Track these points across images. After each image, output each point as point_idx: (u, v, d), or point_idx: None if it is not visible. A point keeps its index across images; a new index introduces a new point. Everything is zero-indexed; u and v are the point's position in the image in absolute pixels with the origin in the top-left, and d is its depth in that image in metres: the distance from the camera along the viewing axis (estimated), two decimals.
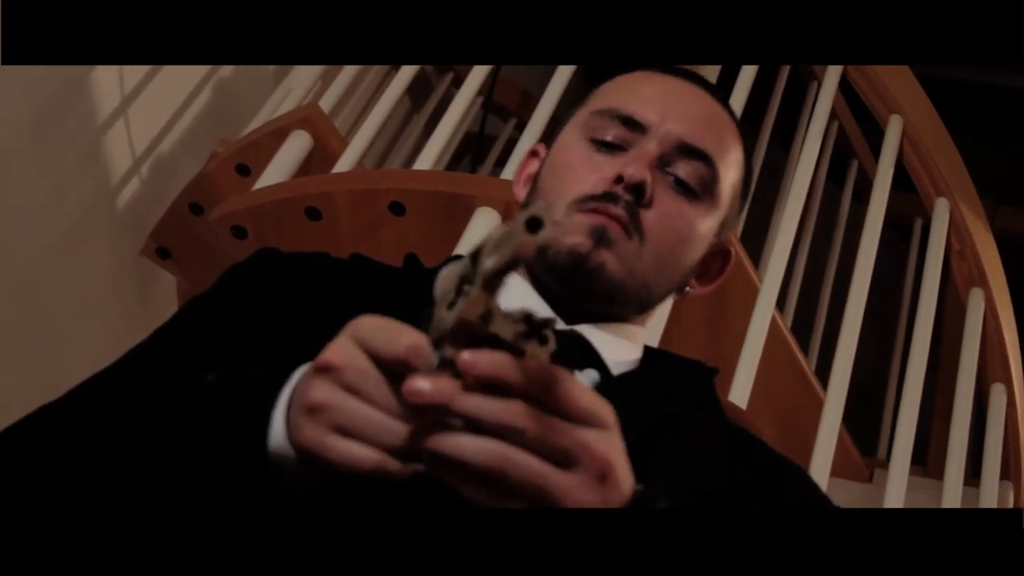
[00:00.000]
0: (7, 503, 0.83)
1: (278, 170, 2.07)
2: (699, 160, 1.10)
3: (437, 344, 0.68)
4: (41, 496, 0.82)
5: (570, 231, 1.05)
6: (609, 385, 1.03)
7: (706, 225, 1.12)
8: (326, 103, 2.26)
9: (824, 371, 2.13)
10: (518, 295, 1.07)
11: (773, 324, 2.02)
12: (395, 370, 0.69)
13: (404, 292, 1.02)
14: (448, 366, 0.67)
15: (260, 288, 1.03)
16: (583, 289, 1.05)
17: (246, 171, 2.18)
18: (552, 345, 0.67)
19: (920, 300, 2.29)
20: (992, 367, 2.48)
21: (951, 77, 3.94)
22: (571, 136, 1.13)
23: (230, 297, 1.03)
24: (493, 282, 0.64)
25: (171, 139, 2.48)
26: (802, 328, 2.96)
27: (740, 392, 1.84)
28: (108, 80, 2.29)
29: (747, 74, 2.24)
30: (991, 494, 2.26)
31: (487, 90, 3.22)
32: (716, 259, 1.17)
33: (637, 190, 1.05)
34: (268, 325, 0.98)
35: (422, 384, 0.67)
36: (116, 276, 2.34)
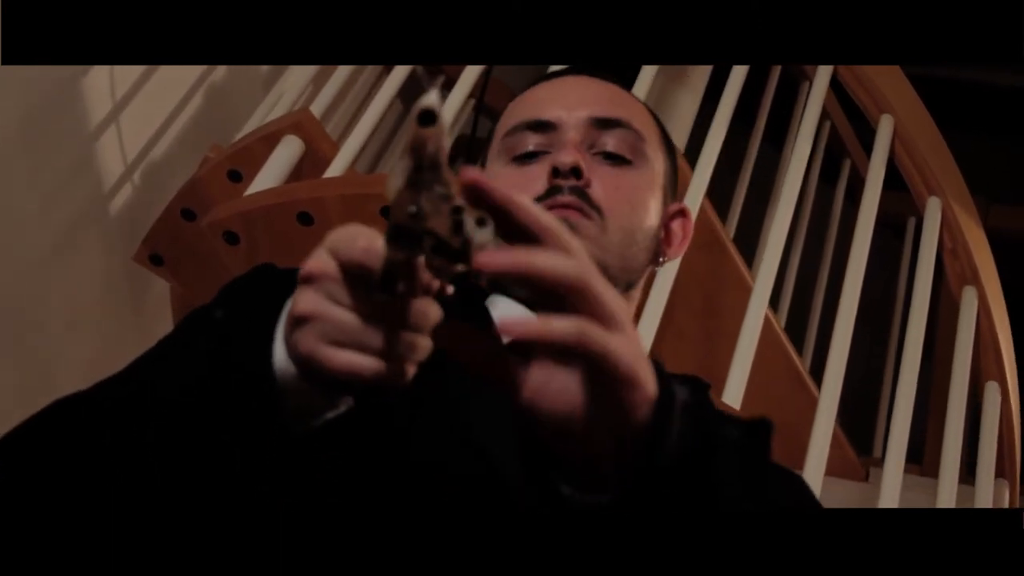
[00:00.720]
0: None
1: (270, 175, 2.07)
2: (618, 127, 1.13)
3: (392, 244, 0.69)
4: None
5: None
6: None
7: (649, 185, 1.14)
8: (317, 107, 2.26)
9: (818, 370, 2.13)
10: (515, 309, 1.07)
11: (766, 324, 2.02)
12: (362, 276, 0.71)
13: None
14: (395, 270, 0.68)
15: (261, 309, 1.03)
16: None
17: (238, 177, 2.18)
18: (490, 226, 0.67)
19: (913, 299, 2.29)
20: (986, 365, 2.48)
21: (942, 76, 3.94)
22: (494, 167, 1.15)
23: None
24: (413, 178, 0.64)
25: (163, 145, 2.47)
26: (796, 328, 2.96)
27: (734, 393, 1.84)
28: (100, 85, 2.28)
29: (738, 74, 2.25)
30: (986, 492, 2.26)
31: (479, 92, 3.21)
32: (676, 221, 1.19)
33: (575, 172, 1.08)
34: None
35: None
36: (108, 282, 2.34)
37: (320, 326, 0.71)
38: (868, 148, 2.50)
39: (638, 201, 1.12)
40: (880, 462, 2.29)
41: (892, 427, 2.09)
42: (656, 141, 1.17)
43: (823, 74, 2.40)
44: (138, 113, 2.39)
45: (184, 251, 2.29)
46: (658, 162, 1.16)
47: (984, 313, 2.46)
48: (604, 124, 1.13)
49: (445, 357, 0.74)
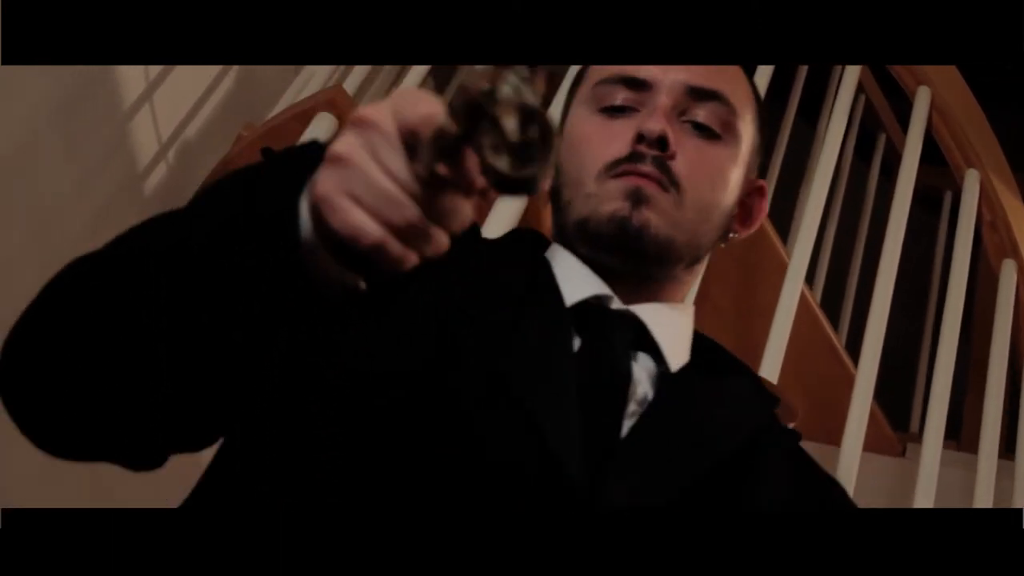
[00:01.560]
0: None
1: None
2: (713, 100, 1.09)
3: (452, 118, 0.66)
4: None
5: (605, 199, 1.05)
6: (671, 389, 1.01)
7: (735, 163, 1.11)
8: (350, 85, 2.26)
9: (855, 346, 2.12)
10: (573, 275, 1.06)
11: (802, 299, 2.00)
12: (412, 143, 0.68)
13: (468, 260, 1.02)
14: (444, 145, 0.66)
15: None
16: (632, 253, 1.04)
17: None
18: (550, 150, 0.65)
19: (951, 272, 2.27)
20: None
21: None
22: (580, 112, 1.12)
23: None
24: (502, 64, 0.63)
25: (196, 124, 2.48)
26: (832, 303, 2.95)
27: (770, 367, 1.83)
28: (132, 67, 2.29)
29: None
30: None
31: None
32: (752, 197, 1.16)
33: (660, 143, 1.05)
34: None
35: None
36: None
37: (348, 174, 0.69)
38: (904, 123, 2.47)
39: (720, 179, 1.09)
40: (917, 437, 2.28)
41: (931, 402, 2.08)
42: (751, 115, 1.13)
43: None
44: (171, 93, 2.40)
45: None
46: (747, 138, 1.13)
47: None
48: (699, 94, 1.09)
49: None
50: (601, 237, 1.03)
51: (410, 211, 0.69)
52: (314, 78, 2.40)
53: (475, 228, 1.15)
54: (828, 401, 2.32)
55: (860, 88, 3.21)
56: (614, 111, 1.09)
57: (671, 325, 1.06)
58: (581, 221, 1.05)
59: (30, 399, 0.83)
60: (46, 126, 2.08)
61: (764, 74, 2.14)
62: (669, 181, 1.04)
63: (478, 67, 0.63)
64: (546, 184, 1.05)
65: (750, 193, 1.15)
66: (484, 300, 0.97)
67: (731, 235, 1.14)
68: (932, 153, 2.47)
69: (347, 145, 0.70)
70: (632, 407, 0.97)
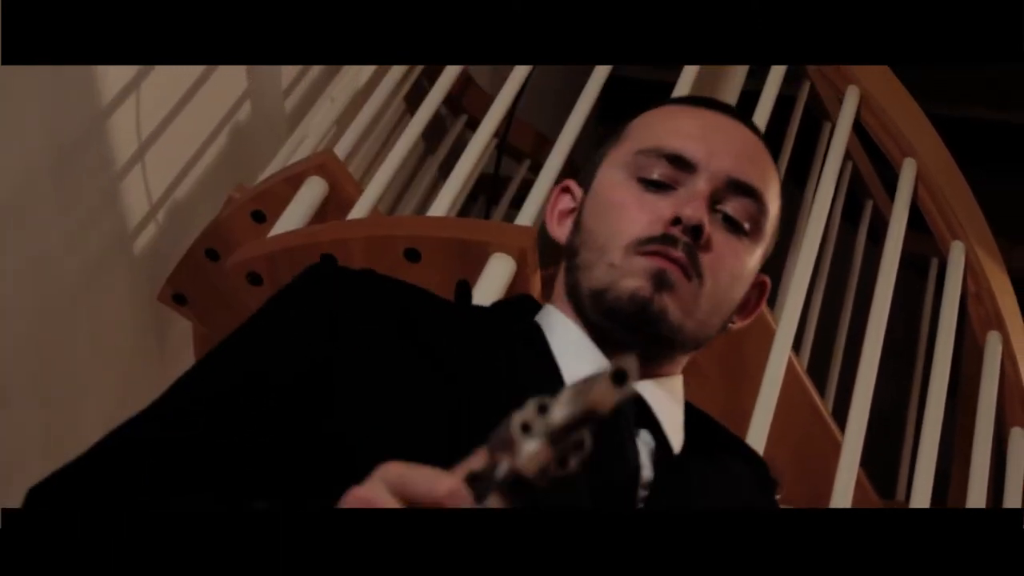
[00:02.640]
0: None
1: (293, 217, 2.08)
2: (748, 196, 1.10)
3: (477, 485, 0.65)
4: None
5: (629, 274, 1.05)
6: (675, 474, 1.02)
7: (754, 260, 1.12)
8: (341, 149, 2.27)
9: (841, 412, 2.12)
10: (573, 348, 1.06)
11: (789, 366, 2.01)
12: None
13: (463, 335, 1.02)
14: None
15: (339, 314, 1.00)
16: (645, 334, 1.04)
17: (262, 217, 2.19)
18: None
19: (936, 344, 2.28)
20: (1011, 410, 2.46)
21: (964, 115, 3.94)
22: (616, 176, 1.12)
23: (310, 323, 1.00)
24: (559, 436, 0.60)
25: (187, 184, 2.49)
26: (818, 369, 2.95)
27: (757, 435, 1.83)
28: (125, 123, 2.30)
29: (761, 111, 2.24)
30: None
31: (502, 132, 3.23)
32: (754, 291, 1.17)
33: (695, 231, 1.05)
34: (348, 362, 0.96)
35: None
36: (133, 320, 2.35)
37: None
38: (890, 189, 2.49)
39: (738, 276, 1.10)
40: (903, 505, 2.27)
41: (916, 472, 2.08)
42: (775, 213, 1.15)
43: (846, 115, 2.40)
44: (163, 152, 2.41)
45: (207, 291, 2.29)
46: (769, 238, 1.15)
47: (1008, 358, 2.45)
48: (738, 188, 1.10)
49: None
50: (618, 312, 1.04)
51: None
52: (306, 140, 2.41)
53: (466, 291, 1.16)
54: (814, 467, 2.32)
55: (848, 155, 3.23)
56: (651, 184, 1.09)
57: (671, 403, 1.07)
58: (600, 290, 1.05)
59: None
60: (39, 178, 2.08)
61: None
62: (694, 271, 1.05)
63: (529, 418, 0.61)
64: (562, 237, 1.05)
65: (753, 286, 1.16)
66: (486, 387, 0.97)
67: (730, 325, 1.15)
68: (919, 220, 2.49)
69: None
70: (639, 492, 0.98)
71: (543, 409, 0.60)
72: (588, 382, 0.59)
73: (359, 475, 0.88)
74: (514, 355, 1.01)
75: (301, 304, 1.03)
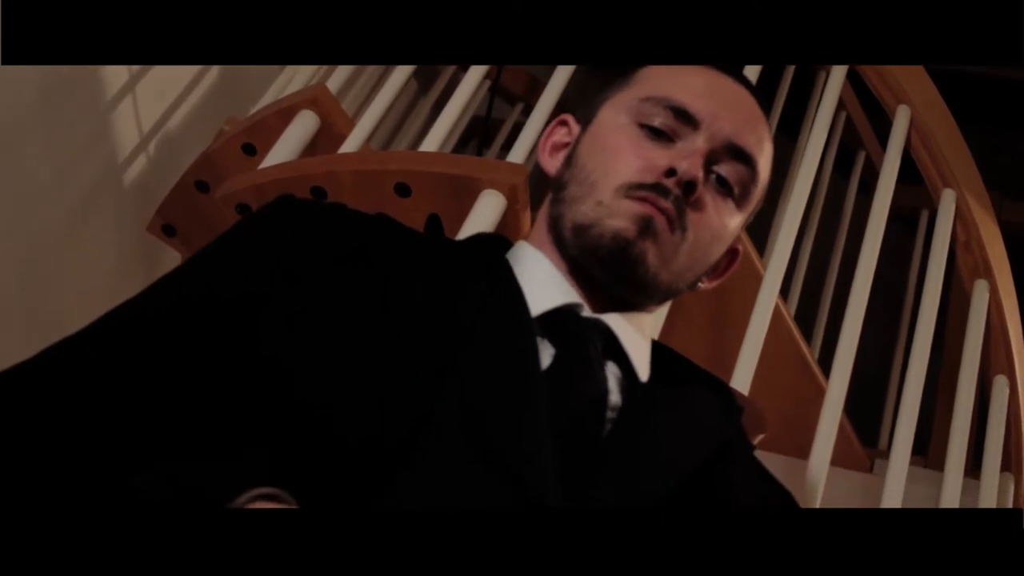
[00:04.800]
0: None
1: (284, 150, 2.07)
2: (743, 162, 1.11)
3: None
4: None
5: (615, 215, 1.05)
6: (642, 399, 1.03)
7: (736, 224, 1.14)
8: (334, 83, 2.26)
9: (827, 361, 2.13)
10: (542, 282, 1.07)
11: (776, 312, 2.01)
12: None
13: (425, 266, 1.02)
14: None
15: (285, 248, 1.00)
16: (620, 275, 1.06)
17: (252, 150, 2.18)
18: None
19: (924, 290, 2.29)
20: (996, 359, 2.47)
21: (959, 70, 3.93)
22: (618, 118, 1.13)
23: (252, 257, 1.00)
24: None
25: (178, 117, 2.48)
26: (806, 318, 2.96)
27: (742, 379, 1.84)
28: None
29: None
30: (991, 486, 2.26)
31: (494, 74, 3.22)
32: (725, 256, 1.18)
33: (688, 187, 1.06)
34: (286, 295, 0.96)
35: None
36: (122, 253, 2.34)
37: None
38: (883, 140, 2.49)
39: (719, 237, 1.12)
40: (885, 454, 2.29)
41: (899, 419, 2.09)
42: (764, 183, 1.16)
43: (840, 64, 2.39)
44: (154, 85, 2.39)
45: (197, 222, 2.29)
46: (754, 203, 1.16)
47: (995, 307, 2.45)
48: (735, 153, 1.11)
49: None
50: (598, 249, 1.05)
51: None
52: (298, 74, 2.40)
53: (437, 225, 1.16)
54: (798, 414, 2.33)
55: (841, 104, 3.22)
56: (652, 131, 1.10)
57: (637, 335, 1.08)
58: (584, 225, 1.06)
59: None
60: (28, 114, 2.07)
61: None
62: (680, 224, 1.06)
63: None
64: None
65: (727, 251, 1.17)
66: (440, 314, 0.97)
67: (699, 285, 1.16)
68: (910, 172, 2.49)
69: None
70: (607, 414, 0.99)
71: None
72: None
73: (296, 400, 0.88)
74: (477, 284, 1.01)
75: (247, 238, 1.03)
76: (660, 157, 1.08)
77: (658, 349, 1.14)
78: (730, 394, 1.14)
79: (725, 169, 1.10)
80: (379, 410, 0.88)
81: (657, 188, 1.06)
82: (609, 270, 1.05)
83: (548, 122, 2.07)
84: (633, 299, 1.09)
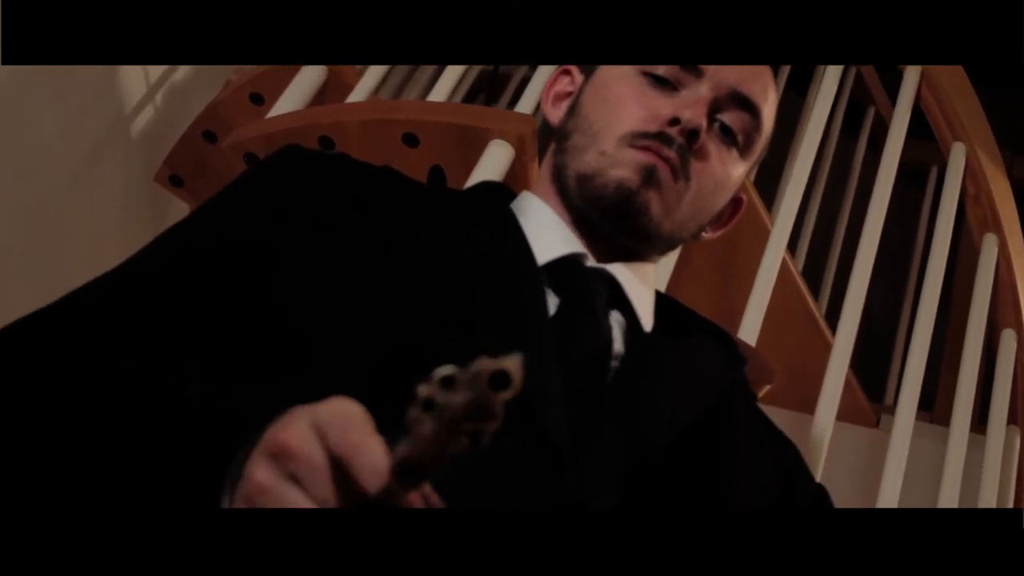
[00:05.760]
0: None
1: (292, 99, 2.07)
2: (747, 111, 1.11)
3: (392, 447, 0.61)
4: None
5: (619, 164, 1.05)
6: (645, 348, 1.03)
7: (739, 173, 1.13)
8: None
9: (834, 316, 2.13)
10: (547, 231, 1.06)
11: (783, 267, 2.01)
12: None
13: (429, 217, 1.02)
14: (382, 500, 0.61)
15: (290, 198, 1.00)
16: (624, 225, 1.05)
17: (260, 100, 2.18)
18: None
19: (933, 244, 2.28)
20: (1003, 313, 2.47)
21: None
22: (621, 67, 1.12)
23: (258, 207, 1.00)
24: (456, 420, 0.56)
25: (185, 67, 2.47)
26: (813, 273, 2.96)
27: (748, 334, 1.84)
28: None
29: None
30: (997, 440, 2.26)
31: None
32: (729, 205, 1.18)
33: (691, 135, 1.05)
34: (291, 245, 0.95)
35: None
36: (129, 203, 2.34)
37: (268, 503, 0.64)
38: (892, 95, 2.47)
39: (723, 186, 1.11)
40: (891, 409, 2.29)
41: (905, 373, 2.09)
42: (767, 133, 1.15)
43: None
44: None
45: (204, 173, 2.29)
46: (757, 155, 1.15)
47: (1004, 261, 2.44)
48: (740, 101, 1.10)
49: None
50: (601, 199, 1.04)
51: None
52: None
53: (440, 176, 1.16)
54: (805, 369, 2.33)
55: None
56: (655, 80, 1.09)
57: (641, 285, 1.08)
58: (587, 175, 1.06)
59: None
60: (32, 67, 2.07)
61: None
62: (683, 173, 1.06)
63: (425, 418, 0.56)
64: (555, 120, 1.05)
65: (731, 200, 1.17)
66: (457, 268, 0.97)
67: (703, 234, 1.16)
68: (920, 127, 2.48)
69: (265, 477, 0.65)
70: (611, 363, 0.99)
71: (448, 383, 0.56)
72: (477, 373, 0.55)
73: (300, 348, 0.88)
74: (482, 234, 1.01)
75: (254, 189, 1.03)
76: (664, 106, 1.07)
77: (662, 300, 1.14)
78: (733, 344, 1.14)
79: (729, 117, 1.10)
80: (384, 363, 0.88)
81: (661, 137, 1.05)
82: (613, 220, 1.05)
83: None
84: (636, 248, 1.09)
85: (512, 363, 0.55)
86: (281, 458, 0.64)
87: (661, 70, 1.09)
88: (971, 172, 2.43)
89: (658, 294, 1.14)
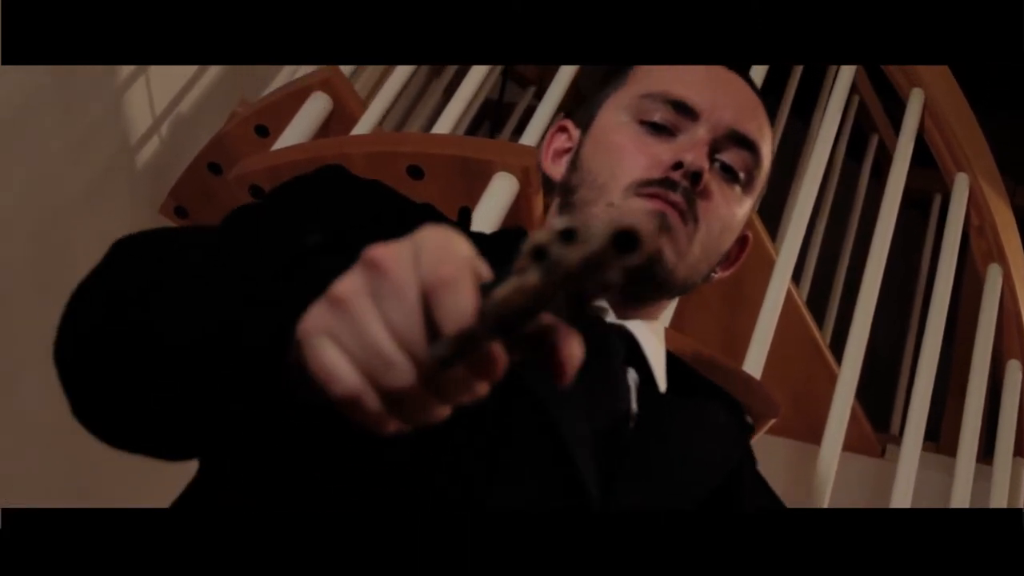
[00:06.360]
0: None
1: (297, 131, 2.07)
2: (746, 149, 1.11)
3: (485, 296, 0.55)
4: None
5: (628, 214, 1.05)
6: (661, 411, 1.03)
7: (744, 211, 1.13)
8: (346, 66, 2.26)
9: (839, 346, 2.13)
10: None
11: (788, 296, 2.01)
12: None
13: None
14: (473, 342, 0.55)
15: (335, 213, 0.98)
16: (638, 275, 1.05)
17: (265, 132, 2.18)
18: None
19: (937, 274, 2.28)
20: (1008, 344, 2.47)
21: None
22: (618, 117, 1.13)
23: (307, 215, 0.97)
24: (561, 282, 0.50)
25: (191, 98, 2.48)
26: (818, 302, 2.96)
27: (754, 364, 1.84)
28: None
29: None
30: (1004, 471, 2.26)
31: None
32: (736, 244, 1.18)
33: (695, 178, 1.06)
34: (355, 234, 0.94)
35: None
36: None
37: (340, 319, 0.59)
38: (896, 124, 2.48)
39: (729, 226, 1.11)
40: (897, 439, 2.29)
41: (911, 403, 2.09)
42: (767, 168, 1.16)
43: None
44: (167, 67, 2.39)
45: (209, 204, 2.29)
46: (759, 188, 1.16)
47: (1008, 291, 2.45)
48: (738, 140, 1.11)
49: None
50: None
51: (404, 376, 0.58)
52: None
53: (466, 217, 1.16)
54: (810, 399, 2.33)
55: (854, 88, 3.22)
56: (652, 127, 1.10)
57: (657, 343, 1.08)
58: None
59: (78, 375, 0.82)
60: (41, 96, 2.07)
61: (760, 69, 2.15)
62: (691, 215, 1.06)
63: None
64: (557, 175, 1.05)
65: (737, 239, 1.17)
66: None
67: (713, 275, 1.16)
68: (923, 155, 2.48)
69: (350, 287, 0.59)
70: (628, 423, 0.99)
71: (568, 236, 0.50)
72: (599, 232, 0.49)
73: None
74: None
75: (318, 190, 1.02)
76: (664, 151, 1.08)
77: (671, 359, 1.14)
78: (742, 411, 1.14)
79: (729, 156, 1.10)
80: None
81: (665, 183, 1.06)
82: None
83: (559, 108, 2.09)
84: (652, 298, 1.10)
85: (645, 225, 0.49)
86: (371, 273, 0.59)
87: (657, 116, 1.10)
88: (975, 203, 2.43)
89: (669, 354, 1.14)
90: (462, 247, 0.58)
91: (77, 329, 0.83)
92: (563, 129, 1.21)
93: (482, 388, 0.58)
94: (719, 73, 1.15)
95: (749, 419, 1.14)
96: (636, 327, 1.06)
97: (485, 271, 0.57)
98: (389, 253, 0.59)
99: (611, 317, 1.06)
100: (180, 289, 0.76)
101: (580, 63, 2.17)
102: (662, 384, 1.06)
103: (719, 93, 1.12)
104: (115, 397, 0.78)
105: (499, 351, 0.56)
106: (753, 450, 1.14)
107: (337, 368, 0.58)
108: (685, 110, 1.10)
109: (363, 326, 0.58)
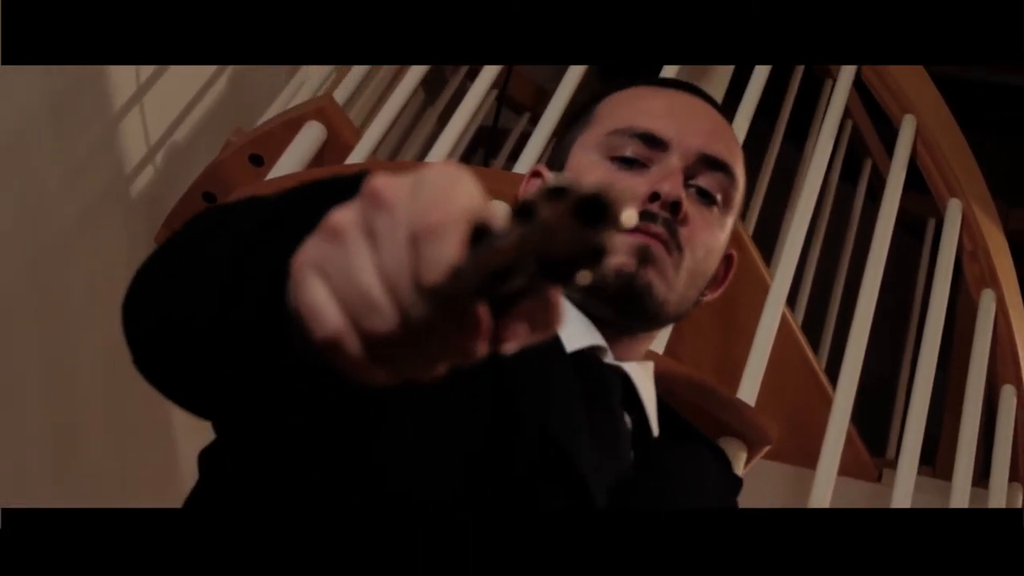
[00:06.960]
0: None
1: (291, 160, 2.08)
2: (719, 171, 1.12)
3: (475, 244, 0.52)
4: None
5: (612, 252, 1.05)
6: (657, 458, 1.04)
7: (726, 232, 1.14)
8: (340, 95, 2.27)
9: (834, 370, 2.13)
10: (573, 326, 1.06)
11: (783, 321, 2.01)
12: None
13: None
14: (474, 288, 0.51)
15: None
16: (629, 309, 1.06)
17: (259, 161, 2.19)
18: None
19: (931, 300, 2.29)
20: (1003, 369, 2.47)
21: (965, 77, 3.93)
22: (589, 157, 1.14)
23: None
24: (542, 241, 0.48)
25: (185, 128, 2.48)
26: (813, 327, 2.96)
27: (749, 389, 1.84)
28: (124, 67, 2.29)
29: (761, 71, 2.24)
30: (999, 496, 2.25)
31: (501, 84, 3.22)
32: (722, 264, 1.19)
33: (674, 207, 1.07)
34: None
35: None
36: (129, 263, 2.34)
37: (332, 252, 0.56)
38: (890, 149, 2.49)
39: (713, 249, 1.12)
40: (893, 463, 2.29)
41: (907, 428, 2.09)
42: (743, 186, 1.17)
43: (846, 73, 2.39)
44: (161, 96, 2.40)
45: None
46: (737, 209, 1.17)
47: (1002, 316, 2.45)
48: (710, 163, 1.12)
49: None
50: (603, 289, 1.05)
51: (385, 322, 0.54)
52: (305, 85, 2.41)
53: None
54: (805, 424, 2.33)
55: (847, 113, 3.22)
56: (624, 162, 1.11)
57: (651, 387, 1.09)
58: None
59: (142, 336, 0.83)
60: (35, 123, 2.08)
61: (752, 94, 2.15)
62: (675, 244, 1.07)
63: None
64: None
65: (721, 260, 1.18)
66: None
67: (702, 299, 1.16)
68: (917, 180, 2.49)
69: (344, 219, 0.56)
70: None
71: (556, 193, 0.47)
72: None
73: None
74: None
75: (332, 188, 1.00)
76: (639, 184, 1.08)
77: (661, 404, 1.14)
78: (729, 464, 1.16)
79: (704, 181, 1.12)
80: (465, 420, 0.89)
81: (645, 215, 1.06)
82: (617, 306, 1.06)
83: (553, 134, 2.09)
84: (645, 329, 1.10)
85: (617, 194, 0.47)
86: (370, 204, 0.55)
87: (628, 151, 1.11)
88: (968, 228, 2.44)
89: (658, 398, 1.14)
90: (464, 193, 0.53)
91: (145, 295, 0.84)
92: (537, 174, 1.22)
93: (469, 348, 0.54)
94: (682, 100, 1.17)
95: (737, 471, 1.16)
96: (632, 369, 1.07)
97: (496, 220, 0.52)
98: (391, 185, 0.55)
99: (609, 358, 1.06)
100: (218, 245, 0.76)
101: (579, 64, 2.18)
102: (655, 428, 1.07)
103: (684, 120, 1.13)
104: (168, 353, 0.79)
105: (482, 310, 0.53)
106: (744, 482, 1.15)
107: (322, 307, 0.55)
108: (654, 142, 1.11)
109: (351, 262, 0.55)
